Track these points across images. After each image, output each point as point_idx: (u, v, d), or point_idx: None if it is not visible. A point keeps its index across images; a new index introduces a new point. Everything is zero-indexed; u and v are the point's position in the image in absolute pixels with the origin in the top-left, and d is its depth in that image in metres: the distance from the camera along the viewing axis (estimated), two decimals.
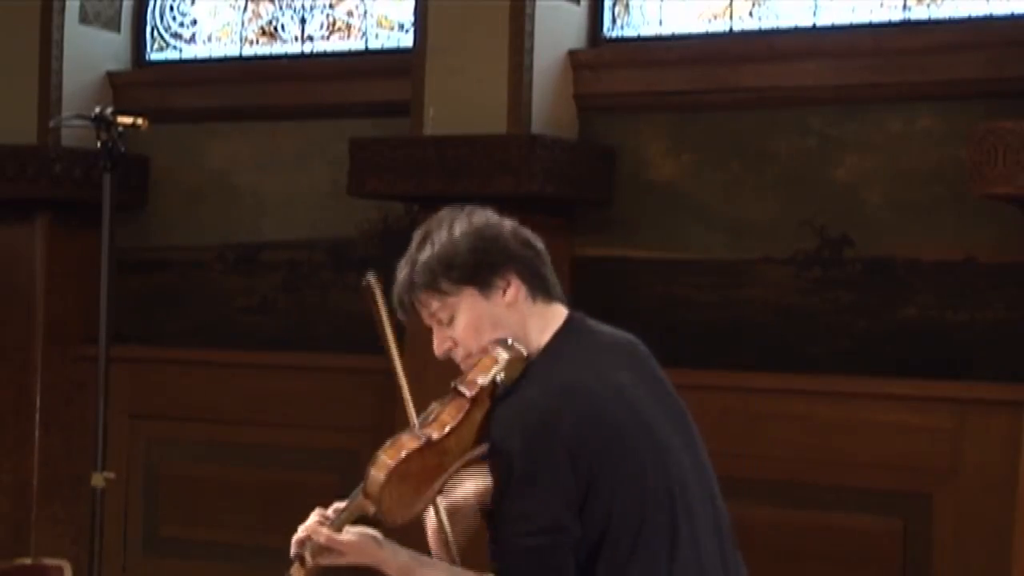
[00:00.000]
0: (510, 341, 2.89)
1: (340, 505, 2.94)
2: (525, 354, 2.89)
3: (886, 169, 5.95)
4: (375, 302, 2.97)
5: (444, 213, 3.00)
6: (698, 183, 6.27)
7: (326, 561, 2.91)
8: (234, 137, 7.40)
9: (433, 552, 2.96)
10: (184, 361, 7.30)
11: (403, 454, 2.78)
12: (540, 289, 2.96)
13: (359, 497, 2.86)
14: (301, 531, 2.96)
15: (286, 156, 7.25)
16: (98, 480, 4.82)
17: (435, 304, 2.94)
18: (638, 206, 6.36)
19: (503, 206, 6.55)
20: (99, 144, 4.85)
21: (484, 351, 2.89)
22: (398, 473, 2.78)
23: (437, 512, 2.91)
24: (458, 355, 2.95)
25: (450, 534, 2.91)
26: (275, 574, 7.88)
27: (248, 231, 7.34)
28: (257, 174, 7.33)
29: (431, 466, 2.81)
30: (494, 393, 2.84)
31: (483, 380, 2.84)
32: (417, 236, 3.01)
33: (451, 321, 2.93)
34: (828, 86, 6.03)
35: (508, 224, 2.99)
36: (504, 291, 2.92)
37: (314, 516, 2.96)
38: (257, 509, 7.08)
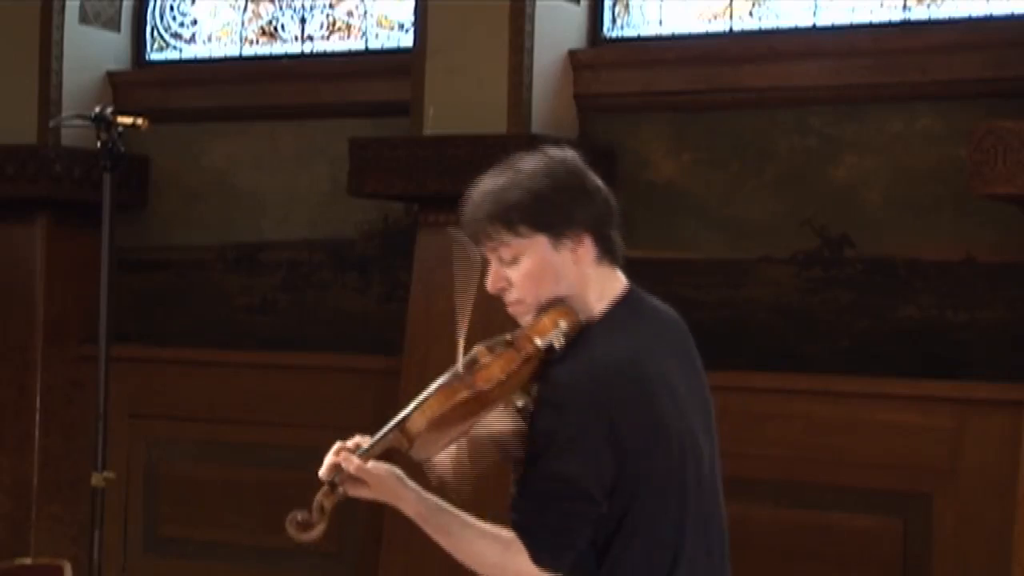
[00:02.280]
0: (568, 306, 2.86)
1: (361, 439, 2.92)
2: (582, 320, 2.86)
3: (886, 169, 5.95)
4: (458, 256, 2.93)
5: (527, 156, 2.93)
6: (698, 183, 6.27)
7: (350, 492, 2.91)
8: (234, 137, 7.40)
9: (448, 478, 2.98)
10: (184, 361, 7.30)
11: (450, 404, 2.80)
12: (607, 253, 2.92)
13: (395, 432, 2.86)
14: (331, 456, 2.91)
15: (286, 156, 7.25)
16: (98, 480, 4.82)
17: (502, 241, 2.87)
18: (638, 206, 6.36)
19: None
20: (99, 144, 4.84)
21: (543, 310, 2.86)
22: (440, 419, 2.80)
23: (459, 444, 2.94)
24: (510, 297, 2.90)
25: (467, 463, 2.94)
26: (275, 574, 7.92)
27: (248, 231, 7.34)
28: (257, 174, 7.33)
29: (470, 412, 2.82)
30: (546, 355, 2.82)
31: (540, 342, 2.82)
32: (499, 171, 2.95)
33: (513, 262, 2.87)
34: (828, 86, 6.03)
35: (593, 180, 2.92)
36: (575, 249, 2.87)
37: (337, 446, 2.92)
38: (257, 509, 7.08)
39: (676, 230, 6.29)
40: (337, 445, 2.91)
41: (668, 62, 6.36)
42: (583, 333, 2.85)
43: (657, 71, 6.36)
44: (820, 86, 6.04)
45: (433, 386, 2.83)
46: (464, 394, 2.80)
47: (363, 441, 2.91)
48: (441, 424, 2.81)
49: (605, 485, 2.77)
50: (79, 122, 5.42)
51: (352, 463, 2.87)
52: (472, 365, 2.84)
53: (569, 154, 2.94)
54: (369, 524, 6.56)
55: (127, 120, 4.84)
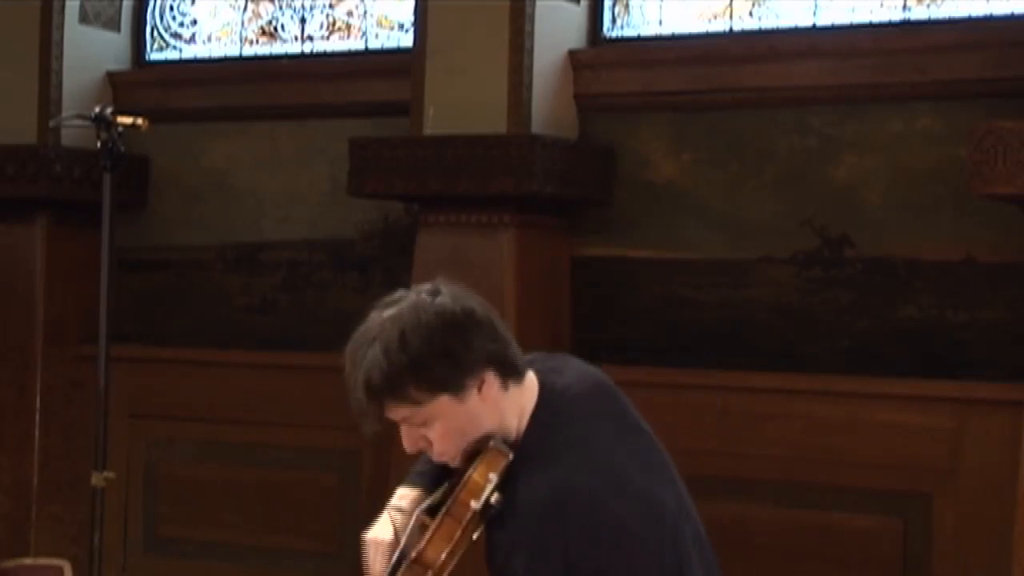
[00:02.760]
0: (494, 446, 2.78)
1: None
2: (509, 455, 2.80)
3: (886, 169, 5.95)
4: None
5: (398, 300, 2.82)
6: (698, 183, 6.27)
7: None
8: (234, 137, 7.40)
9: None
10: (184, 361, 7.30)
11: None
12: (512, 374, 2.82)
13: None
14: None
15: (286, 156, 7.25)
16: (98, 480, 4.82)
17: (405, 411, 2.79)
18: (638, 206, 6.36)
19: (503, 206, 6.59)
20: (99, 144, 4.85)
21: (470, 458, 2.80)
22: None
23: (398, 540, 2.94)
24: (434, 454, 2.85)
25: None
26: (275, 574, 7.90)
27: (248, 231, 7.34)
28: (257, 174, 7.33)
29: None
30: (487, 512, 2.79)
31: (475, 505, 2.77)
32: (372, 326, 2.82)
33: (424, 424, 2.80)
34: (828, 86, 6.03)
35: (477, 308, 2.80)
36: (480, 388, 2.78)
37: None
38: (257, 509, 7.08)
39: (676, 230, 6.29)
40: None
41: (668, 62, 6.36)
42: (512, 472, 2.78)
43: (657, 71, 6.35)
44: (820, 86, 6.04)
45: None
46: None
47: None
48: None
49: None
50: (79, 122, 5.43)
51: None
52: (417, 543, 2.83)
53: (450, 292, 2.81)
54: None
55: (127, 120, 4.85)
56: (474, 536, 2.80)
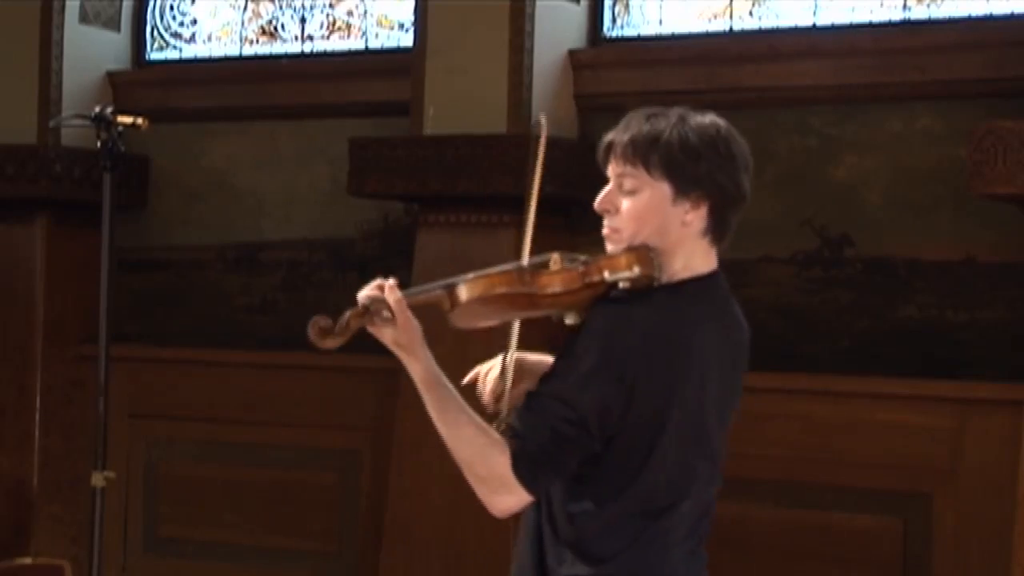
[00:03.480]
0: (654, 258, 2.88)
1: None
2: (656, 276, 2.88)
3: (886, 169, 5.95)
4: (538, 143, 3.02)
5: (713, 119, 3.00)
6: None
7: (376, 325, 2.92)
8: (234, 137, 7.40)
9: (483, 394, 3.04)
10: (184, 361, 7.30)
11: (503, 291, 2.86)
12: (715, 232, 2.96)
13: (442, 291, 2.89)
14: (373, 285, 2.93)
15: (286, 156, 7.25)
16: (98, 480, 4.82)
17: (631, 170, 2.92)
18: None
19: (503, 206, 6.58)
20: (99, 144, 4.84)
21: (629, 249, 2.90)
22: (488, 298, 2.86)
23: (504, 361, 2.98)
24: (611, 222, 2.97)
25: (508, 384, 2.95)
26: (275, 574, 7.91)
27: (248, 231, 7.34)
28: (257, 174, 7.33)
29: (517, 306, 2.89)
30: (608, 290, 2.87)
31: (607, 276, 2.87)
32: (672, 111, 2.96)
33: (630, 193, 2.92)
34: (828, 86, 6.03)
35: (747, 160, 3.00)
36: (689, 211, 2.91)
37: (380, 280, 2.94)
38: (257, 509, 7.08)
39: None
40: (380, 280, 2.93)
41: (668, 62, 6.36)
42: (649, 289, 2.88)
43: (657, 71, 6.35)
44: (820, 86, 6.04)
45: (495, 269, 2.90)
46: (519, 289, 2.86)
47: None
48: (486, 303, 2.87)
49: (606, 425, 2.77)
50: (79, 122, 5.42)
51: (395, 294, 2.87)
52: (539, 267, 2.91)
53: (735, 134, 3.02)
54: (369, 524, 6.57)
55: (127, 120, 4.84)
56: (584, 304, 2.86)
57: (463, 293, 2.86)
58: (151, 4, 7.70)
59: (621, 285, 2.86)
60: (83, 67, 7.44)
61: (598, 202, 2.98)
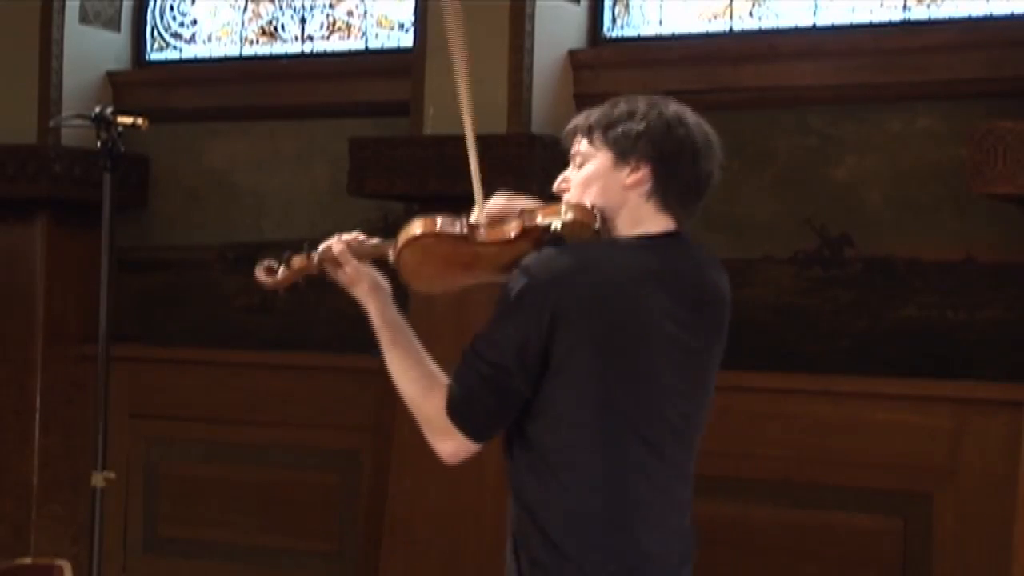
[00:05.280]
0: (593, 209, 2.94)
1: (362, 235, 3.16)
2: (596, 228, 2.93)
3: (886, 169, 5.95)
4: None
5: (667, 101, 3.04)
6: None
7: (329, 269, 3.15)
8: (234, 137, 7.40)
9: None
10: (184, 361, 7.30)
11: (437, 230, 2.96)
12: (664, 195, 2.97)
13: (386, 241, 3.09)
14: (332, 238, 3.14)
15: (286, 156, 7.26)
16: (98, 480, 4.81)
17: (579, 148, 3.03)
18: None
19: None
20: (99, 144, 4.84)
21: (567, 201, 2.98)
22: (423, 244, 2.97)
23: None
24: (566, 196, 3.03)
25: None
26: (275, 574, 7.89)
27: (248, 231, 7.34)
28: (257, 174, 7.33)
29: (460, 259, 2.98)
30: (542, 236, 2.92)
31: (540, 220, 2.93)
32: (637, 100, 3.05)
33: (579, 167, 3.03)
34: (828, 86, 6.03)
35: (705, 142, 2.99)
36: (631, 174, 2.96)
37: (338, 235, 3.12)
38: (257, 509, 7.08)
39: None
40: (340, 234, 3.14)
41: (668, 62, 6.36)
42: (589, 240, 2.92)
43: (657, 71, 6.36)
44: (820, 86, 6.04)
45: (436, 216, 2.99)
46: (452, 230, 2.96)
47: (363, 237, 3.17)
48: (427, 253, 2.98)
49: (526, 361, 2.81)
50: (79, 122, 5.41)
51: (340, 243, 3.14)
52: (479, 218, 3.00)
53: (699, 121, 3.02)
54: (369, 524, 6.57)
55: (127, 120, 4.84)
56: (519, 250, 2.91)
57: (404, 233, 2.99)
58: (151, 4, 7.70)
59: (553, 227, 2.91)
60: (83, 67, 7.45)
61: (556, 184, 3.08)
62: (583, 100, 6.47)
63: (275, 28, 7.49)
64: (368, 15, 7.26)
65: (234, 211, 7.38)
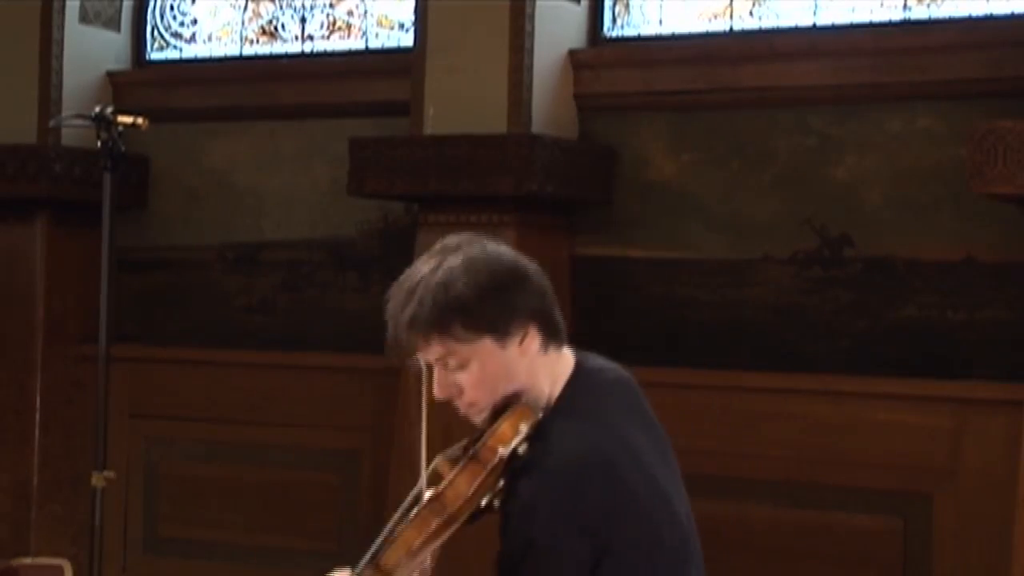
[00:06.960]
0: (525, 402, 2.76)
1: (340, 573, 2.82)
2: (540, 413, 2.78)
3: (886, 169, 5.95)
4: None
5: (457, 241, 2.79)
6: (698, 183, 6.28)
7: None
8: (234, 137, 7.40)
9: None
10: (184, 361, 7.30)
11: (424, 534, 2.75)
12: (553, 338, 2.80)
13: (370, 569, 2.77)
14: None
15: (286, 156, 7.26)
16: (98, 480, 4.82)
17: (442, 349, 2.74)
18: (638, 206, 6.36)
19: (503, 206, 6.58)
20: (99, 144, 4.85)
21: (499, 412, 2.77)
22: (415, 549, 2.76)
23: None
24: (463, 401, 2.80)
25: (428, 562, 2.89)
26: (275, 574, 7.89)
27: (248, 231, 7.34)
28: (257, 174, 7.33)
29: (440, 533, 2.77)
30: (510, 462, 2.73)
31: (503, 451, 2.72)
32: (426, 263, 2.77)
33: (460, 367, 2.75)
34: (828, 86, 6.03)
35: (530, 266, 2.82)
36: (521, 342, 2.75)
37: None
38: (257, 509, 7.08)
39: (676, 230, 6.29)
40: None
41: (668, 62, 6.36)
42: (542, 427, 2.75)
43: (657, 71, 6.36)
44: (820, 86, 6.04)
45: (402, 516, 2.79)
46: (437, 521, 2.74)
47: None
48: (416, 552, 2.77)
49: None
50: (79, 122, 5.43)
51: None
52: (437, 485, 2.78)
53: (497, 246, 2.81)
54: (369, 524, 6.56)
55: (127, 120, 4.85)
56: (497, 485, 2.74)
57: (390, 559, 2.75)
58: (151, 4, 7.69)
59: (520, 451, 2.72)
60: (83, 67, 7.44)
61: (437, 392, 2.78)
62: (583, 100, 6.48)
63: (275, 28, 7.49)
64: (368, 15, 7.26)
65: (234, 211, 7.38)
